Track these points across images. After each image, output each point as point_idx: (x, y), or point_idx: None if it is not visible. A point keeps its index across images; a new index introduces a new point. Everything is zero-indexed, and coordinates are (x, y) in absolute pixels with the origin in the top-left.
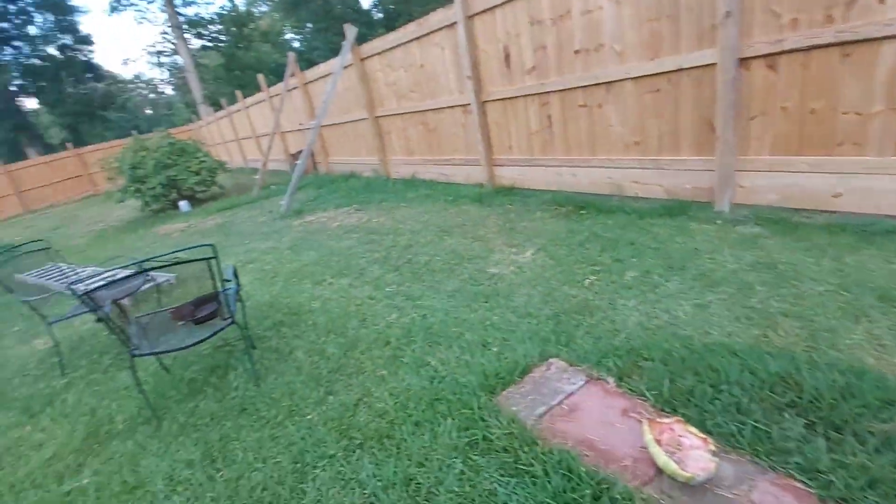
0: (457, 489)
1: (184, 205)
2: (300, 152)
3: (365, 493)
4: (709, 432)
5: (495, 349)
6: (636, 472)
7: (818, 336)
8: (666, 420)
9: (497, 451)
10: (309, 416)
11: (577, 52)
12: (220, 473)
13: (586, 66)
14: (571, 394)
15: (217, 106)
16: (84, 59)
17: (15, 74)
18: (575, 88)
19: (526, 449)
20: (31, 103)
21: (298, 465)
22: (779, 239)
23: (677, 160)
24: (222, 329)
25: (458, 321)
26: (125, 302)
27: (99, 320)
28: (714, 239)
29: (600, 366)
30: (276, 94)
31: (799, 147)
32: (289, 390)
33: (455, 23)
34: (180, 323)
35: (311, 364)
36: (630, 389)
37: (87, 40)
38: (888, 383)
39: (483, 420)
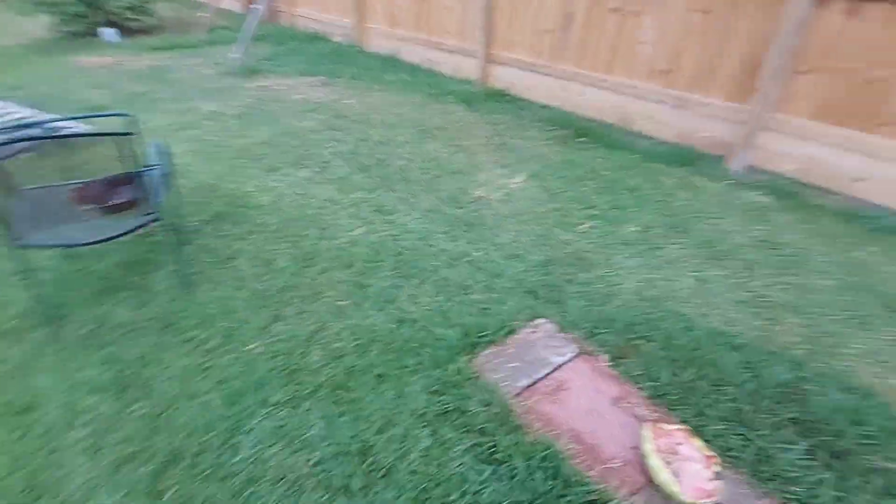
0: (420, 469)
1: (110, 33)
2: None
3: (311, 460)
4: (707, 440)
5: (477, 296)
6: (625, 478)
7: (821, 340)
8: (667, 424)
9: (472, 431)
10: (249, 347)
11: None
12: (134, 407)
13: None
14: (559, 367)
15: None
16: None
17: None
18: None
19: (507, 435)
20: None
21: (233, 409)
22: (789, 216)
23: (704, 102)
24: (142, 226)
25: (435, 251)
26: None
27: None
28: (721, 202)
29: (593, 338)
30: None
31: (840, 117)
32: (226, 307)
33: None
34: (85, 207)
35: (255, 277)
36: (624, 373)
37: None
38: (893, 412)
39: (459, 387)
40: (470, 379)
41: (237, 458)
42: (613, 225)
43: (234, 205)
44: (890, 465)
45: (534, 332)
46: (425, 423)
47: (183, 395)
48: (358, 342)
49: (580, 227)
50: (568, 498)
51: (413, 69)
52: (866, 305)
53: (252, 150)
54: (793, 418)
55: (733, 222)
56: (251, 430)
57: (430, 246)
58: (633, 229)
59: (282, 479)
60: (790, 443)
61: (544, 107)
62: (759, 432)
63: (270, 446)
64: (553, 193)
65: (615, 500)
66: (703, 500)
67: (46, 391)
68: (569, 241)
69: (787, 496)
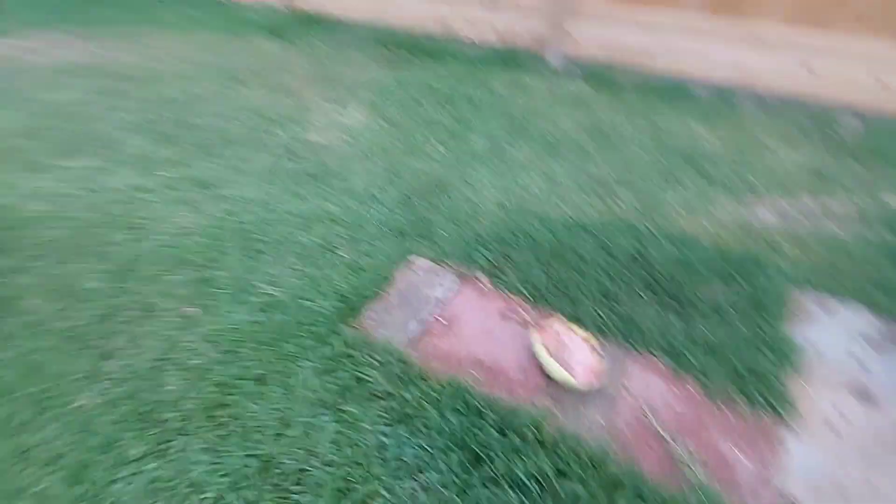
0: (335, 458)
1: None
2: None
3: (206, 502)
4: (583, 323)
5: (344, 254)
6: (528, 384)
7: (648, 204)
8: (548, 322)
9: (377, 398)
10: (76, 404)
11: None
12: None
13: None
14: (445, 301)
15: None
16: None
17: None
18: None
19: (412, 388)
20: None
21: (82, 488)
22: (603, 98)
23: None
24: None
25: (286, 216)
26: None
27: None
28: (548, 97)
29: (470, 261)
30: None
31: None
32: (26, 367)
33: None
34: None
35: (58, 314)
36: (504, 286)
37: None
38: (707, 249)
39: (350, 357)
40: (359, 345)
41: None
42: (460, 140)
43: None
44: (712, 292)
45: (411, 273)
46: (325, 409)
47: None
48: (222, 349)
49: (429, 150)
50: (484, 427)
51: (196, 1)
52: (673, 164)
53: None
54: (644, 282)
55: (562, 113)
56: (115, 501)
57: (278, 212)
58: (480, 141)
59: None
60: (645, 303)
61: (361, 25)
62: (620, 300)
63: None
64: (393, 121)
65: (525, 411)
66: (594, 383)
67: None
68: (422, 168)
69: (652, 349)
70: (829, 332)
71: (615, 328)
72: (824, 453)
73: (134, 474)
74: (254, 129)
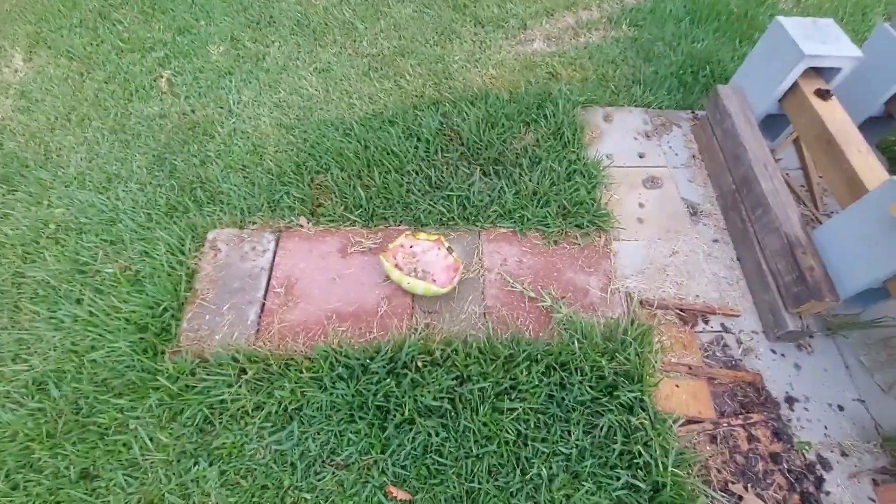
0: (233, 497)
1: None
2: None
3: None
4: (423, 225)
5: (111, 268)
6: (396, 312)
7: (435, 70)
8: (391, 241)
9: (247, 413)
10: None
11: None
12: None
13: None
14: (272, 266)
15: None
16: None
17: None
18: None
19: (281, 382)
20: None
21: None
22: None
23: None
24: None
25: None
26: None
27: None
28: None
29: (277, 209)
30: None
31: None
32: None
33: None
34: None
35: None
36: (330, 221)
37: None
38: (502, 99)
39: (189, 387)
40: (195, 368)
41: None
42: (195, 57)
43: None
44: (524, 142)
45: (215, 254)
46: (193, 458)
47: None
48: (2, 472)
49: (158, 84)
50: (374, 377)
51: None
52: (442, 16)
53: None
54: (459, 155)
55: None
56: None
57: None
58: (220, 50)
59: None
60: (469, 176)
61: None
62: (448, 186)
63: None
64: (82, 58)
65: (404, 341)
66: (455, 280)
67: None
68: (159, 111)
69: (493, 222)
70: (616, 141)
71: (455, 215)
72: (639, 243)
73: None
74: None
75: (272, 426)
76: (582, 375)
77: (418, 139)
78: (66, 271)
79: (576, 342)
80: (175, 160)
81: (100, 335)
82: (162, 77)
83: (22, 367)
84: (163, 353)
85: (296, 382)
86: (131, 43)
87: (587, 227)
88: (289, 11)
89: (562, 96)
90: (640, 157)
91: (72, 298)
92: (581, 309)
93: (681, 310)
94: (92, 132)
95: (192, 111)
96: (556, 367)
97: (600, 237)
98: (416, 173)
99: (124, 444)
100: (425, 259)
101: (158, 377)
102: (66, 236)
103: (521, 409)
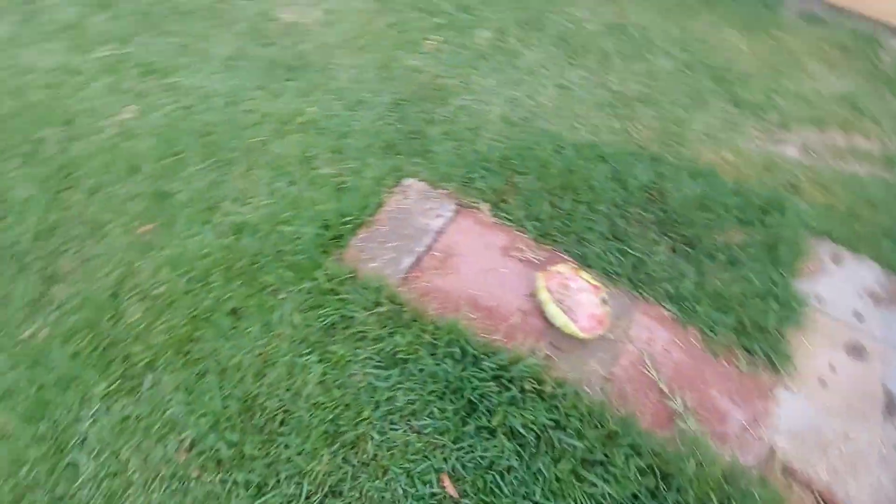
0: (321, 399)
1: None
2: None
3: (184, 443)
4: (589, 266)
5: (327, 169)
6: (528, 329)
7: (669, 129)
8: (554, 264)
9: (366, 339)
10: (25, 334)
11: None
12: None
13: None
14: (441, 231)
15: None
16: None
17: None
18: None
19: (405, 330)
20: None
21: (43, 426)
22: None
23: None
24: None
25: (256, 117)
26: None
27: None
28: None
29: (469, 186)
30: None
31: None
32: None
33: None
34: None
35: None
36: (507, 218)
37: None
38: (727, 186)
39: (336, 294)
40: (346, 279)
41: (81, 481)
42: (463, 34)
43: None
44: (729, 238)
45: (404, 197)
46: (309, 348)
47: None
48: (188, 275)
49: (427, 44)
50: (481, 375)
51: None
52: (702, 81)
53: None
54: (658, 222)
55: (587, 7)
56: (84, 439)
57: (247, 111)
58: (486, 36)
59: (154, 479)
60: (657, 246)
61: None
62: (631, 242)
63: (122, 447)
64: (382, 1)
65: (524, 360)
66: (596, 331)
67: None
68: (417, 66)
69: (659, 297)
70: (836, 287)
71: (623, 272)
72: (811, 405)
73: (100, 413)
74: None
75: (377, 361)
76: (681, 497)
77: (623, 186)
78: (295, 156)
79: (692, 463)
80: (409, 110)
81: (295, 215)
82: (431, 40)
83: (235, 207)
84: (330, 253)
85: (415, 338)
86: (421, 4)
87: (758, 355)
88: (559, 24)
89: (794, 212)
90: (857, 318)
91: (289, 178)
92: (711, 434)
93: (823, 500)
94: (364, 60)
95: (440, 77)
96: (658, 473)
97: (768, 374)
98: (605, 216)
99: (271, 306)
100: (577, 298)
101: (318, 271)
102: (307, 130)
103: (600, 490)
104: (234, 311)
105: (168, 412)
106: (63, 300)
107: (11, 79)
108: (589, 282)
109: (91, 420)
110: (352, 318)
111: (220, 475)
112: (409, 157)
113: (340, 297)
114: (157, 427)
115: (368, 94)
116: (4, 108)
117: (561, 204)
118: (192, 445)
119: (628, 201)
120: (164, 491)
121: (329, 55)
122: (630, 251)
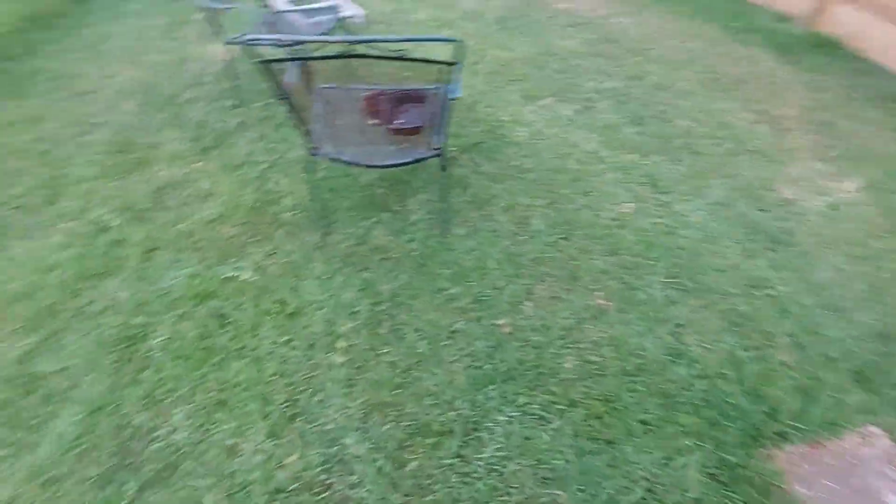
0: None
1: None
2: None
3: (559, 501)
4: None
5: (784, 356)
6: None
7: None
8: None
9: None
10: (499, 322)
11: None
12: (384, 350)
13: None
14: None
15: None
16: None
17: None
18: None
19: None
20: None
21: (478, 396)
22: None
23: None
24: (424, 159)
25: (724, 265)
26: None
27: (282, 98)
28: None
29: None
30: None
31: None
32: (479, 264)
33: None
34: (373, 122)
35: (510, 235)
36: None
37: None
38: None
39: (752, 486)
40: (771, 484)
41: (479, 458)
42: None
43: (491, 135)
44: None
45: (863, 444)
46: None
47: (430, 357)
48: (621, 365)
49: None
50: None
51: None
52: None
53: (511, 68)
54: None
55: None
56: (495, 429)
57: (718, 255)
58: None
59: None
60: None
61: (891, 73)
62: None
63: (513, 459)
64: None
65: None
66: None
67: (312, 302)
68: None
69: None
70: None
71: None
72: None
73: (514, 419)
74: (721, 147)
75: None
76: None
77: None
78: (756, 321)
79: None
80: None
81: (739, 378)
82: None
83: (685, 338)
84: (760, 443)
85: None
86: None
87: None
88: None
89: None
90: None
91: (746, 341)
92: None
93: None
94: (854, 269)
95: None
96: None
97: None
98: None
99: (677, 447)
100: None
101: (740, 451)
102: (774, 302)
103: None
104: (644, 423)
105: (555, 461)
106: (529, 316)
107: (561, 146)
108: None
109: (505, 420)
110: None
111: None
112: (882, 400)
113: (755, 492)
114: (543, 467)
115: (849, 305)
116: (551, 164)
117: None
118: None
119: None
120: None
121: (818, 247)
122: None
